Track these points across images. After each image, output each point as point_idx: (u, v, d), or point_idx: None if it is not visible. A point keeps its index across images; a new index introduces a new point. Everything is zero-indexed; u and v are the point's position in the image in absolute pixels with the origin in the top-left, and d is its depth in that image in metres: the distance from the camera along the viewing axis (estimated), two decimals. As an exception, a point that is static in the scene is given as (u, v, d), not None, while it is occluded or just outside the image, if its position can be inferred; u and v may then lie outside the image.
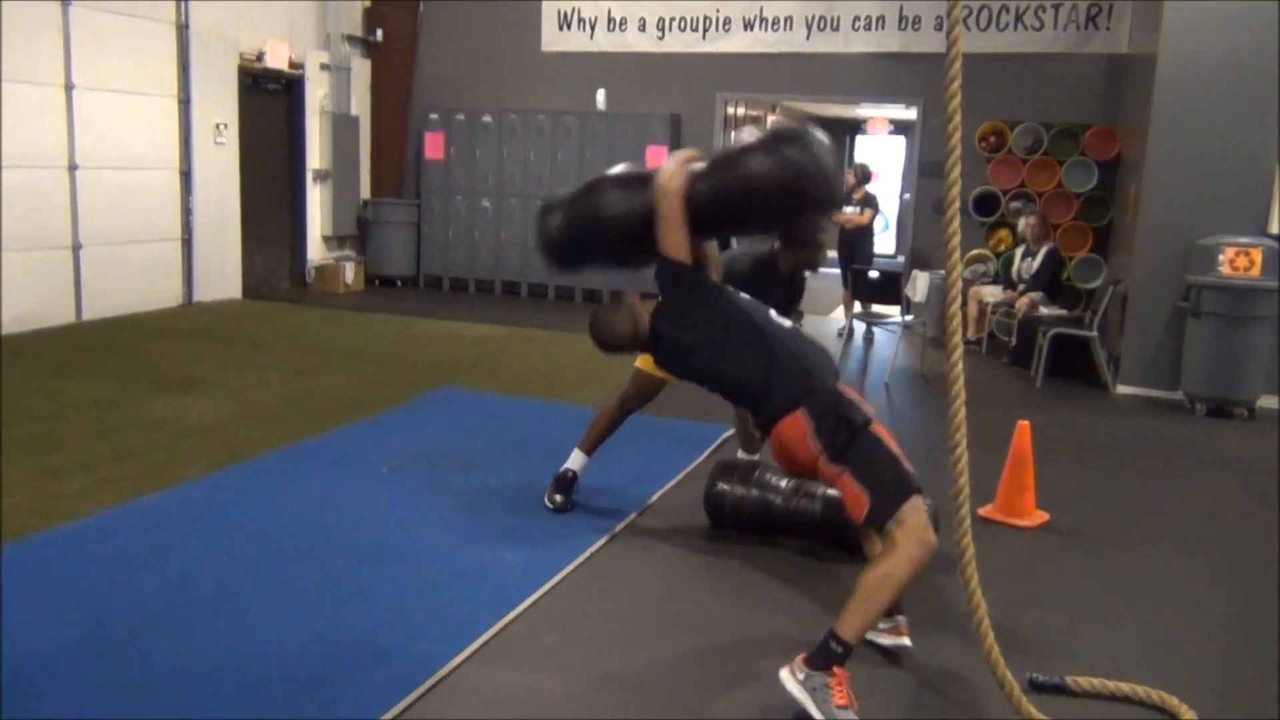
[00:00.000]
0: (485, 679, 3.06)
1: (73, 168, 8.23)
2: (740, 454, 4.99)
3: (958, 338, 2.83)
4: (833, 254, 10.43)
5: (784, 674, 2.85)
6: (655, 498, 4.70)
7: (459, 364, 7.57)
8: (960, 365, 2.80)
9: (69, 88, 8.14)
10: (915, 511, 2.93)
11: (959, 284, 2.84)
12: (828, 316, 10.76)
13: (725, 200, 3.40)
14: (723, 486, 4.33)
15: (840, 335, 9.39)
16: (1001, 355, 8.62)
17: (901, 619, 3.30)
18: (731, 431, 5.89)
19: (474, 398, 6.56)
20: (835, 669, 2.80)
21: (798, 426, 3.08)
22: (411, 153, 11.69)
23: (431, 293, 11.33)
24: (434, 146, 11.32)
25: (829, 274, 12.36)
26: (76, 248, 8.34)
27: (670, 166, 3.45)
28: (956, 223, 2.75)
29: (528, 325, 9.38)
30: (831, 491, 4.14)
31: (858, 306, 8.97)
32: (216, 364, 7.14)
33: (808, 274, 4.83)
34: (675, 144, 10.73)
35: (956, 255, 2.80)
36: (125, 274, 8.83)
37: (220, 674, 2.97)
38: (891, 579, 2.84)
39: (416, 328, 9.02)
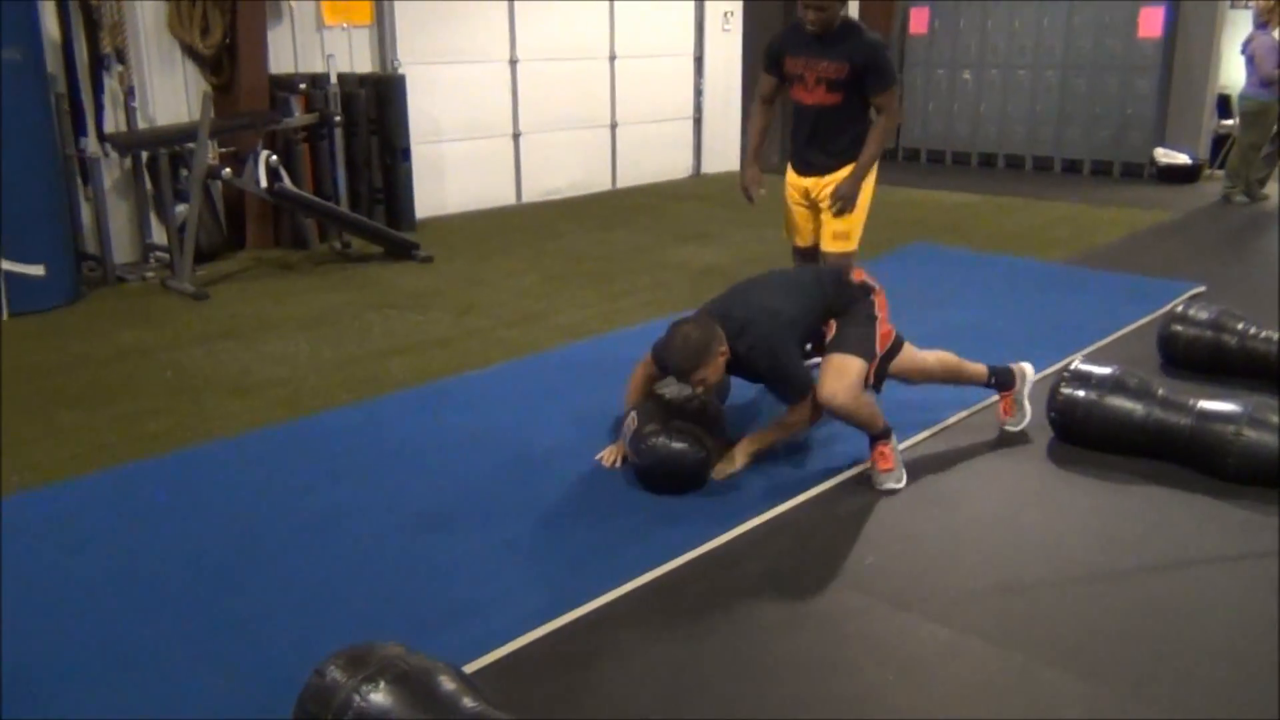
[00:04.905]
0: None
1: (612, 58, 9.84)
2: None
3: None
4: None
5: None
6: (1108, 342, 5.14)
7: (933, 226, 8.22)
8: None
9: (610, -7, 9.74)
10: None
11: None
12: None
13: None
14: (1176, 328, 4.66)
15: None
16: None
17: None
18: (1200, 289, 6.02)
19: (947, 252, 7.25)
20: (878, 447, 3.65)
21: None
22: (897, 29, 12.16)
23: (909, 165, 11.89)
24: (919, 22, 11.70)
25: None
26: (614, 126, 10.02)
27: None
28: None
29: (1003, 193, 9.71)
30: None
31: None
32: (721, 223, 8.42)
33: None
34: None
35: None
36: (649, 149, 10.43)
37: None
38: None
39: (895, 195, 9.67)
